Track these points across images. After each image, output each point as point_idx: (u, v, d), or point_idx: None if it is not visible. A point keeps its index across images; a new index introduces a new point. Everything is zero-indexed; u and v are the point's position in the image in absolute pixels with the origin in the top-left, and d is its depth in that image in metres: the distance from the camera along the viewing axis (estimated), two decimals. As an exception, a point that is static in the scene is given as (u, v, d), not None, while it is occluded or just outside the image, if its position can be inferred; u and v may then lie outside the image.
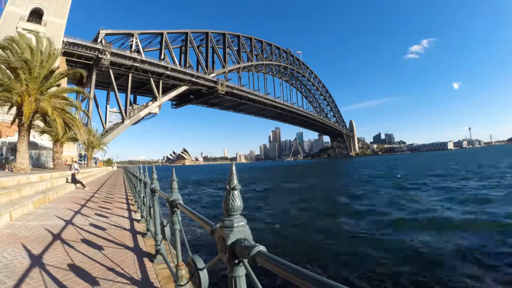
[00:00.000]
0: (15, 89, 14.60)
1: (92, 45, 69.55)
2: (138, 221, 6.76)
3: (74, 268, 3.55)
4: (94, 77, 70.93)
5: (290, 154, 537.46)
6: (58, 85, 17.43)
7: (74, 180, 15.37)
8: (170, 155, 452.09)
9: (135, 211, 8.05)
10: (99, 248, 4.49)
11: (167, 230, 3.06)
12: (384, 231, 11.77)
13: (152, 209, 4.35)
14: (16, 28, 51.76)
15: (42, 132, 23.50)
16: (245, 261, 1.10)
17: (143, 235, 5.38)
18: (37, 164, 24.43)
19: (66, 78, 18.32)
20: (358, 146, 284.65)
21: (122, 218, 7.18)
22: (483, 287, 6.79)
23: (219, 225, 1.25)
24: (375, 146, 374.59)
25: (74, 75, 17.90)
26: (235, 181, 1.21)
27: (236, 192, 1.22)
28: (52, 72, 16.01)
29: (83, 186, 15.20)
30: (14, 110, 16.10)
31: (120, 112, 76.32)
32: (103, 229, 5.84)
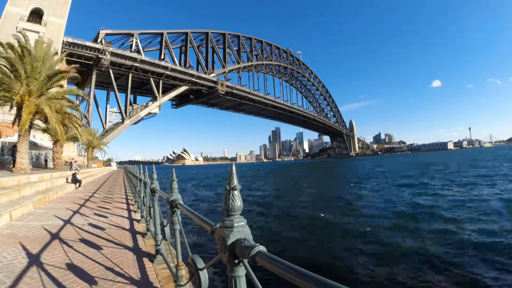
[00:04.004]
0: (15, 89, 14.58)
1: (92, 45, 69.49)
2: (138, 221, 6.76)
3: (74, 268, 3.55)
4: (94, 77, 70.85)
5: (290, 154, 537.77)
6: (61, 86, 17.43)
7: (75, 180, 15.38)
8: (170, 155, 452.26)
9: (135, 211, 8.04)
10: (99, 248, 4.48)
11: (167, 230, 3.06)
12: (384, 230, 11.76)
13: (152, 209, 4.35)
14: (16, 28, 51.72)
15: (44, 131, 23.47)
16: (245, 261, 1.10)
17: (143, 235, 5.37)
18: (37, 164, 24.43)
19: (66, 79, 18.30)
20: (358, 146, 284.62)
21: (122, 218, 7.18)
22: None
23: (219, 225, 1.25)
24: (375, 146, 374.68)
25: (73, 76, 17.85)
26: (235, 181, 1.22)
27: (236, 192, 1.22)
28: (54, 74, 16.00)
29: (80, 186, 15.27)
30: (14, 110, 16.09)
31: (120, 112, 76.29)
32: (103, 229, 5.84)
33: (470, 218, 12.95)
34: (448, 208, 15.23)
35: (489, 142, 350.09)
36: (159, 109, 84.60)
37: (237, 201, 1.22)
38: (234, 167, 1.24)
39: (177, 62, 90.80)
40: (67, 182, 15.44)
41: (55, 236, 5.17)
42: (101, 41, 72.91)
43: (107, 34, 76.16)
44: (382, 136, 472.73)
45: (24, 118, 14.24)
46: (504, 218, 12.43)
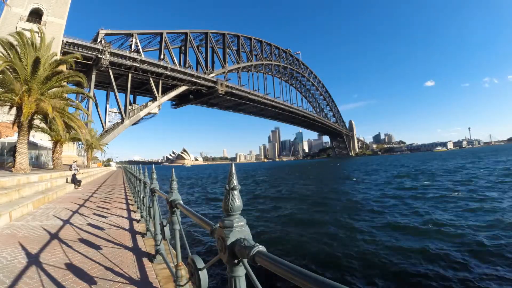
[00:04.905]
0: (15, 89, 14.56)
1: (92, 45, 69.38)
2: (137, 221, 6.75)
3: (73, 268, 3.55)
4: (93, 77, 70.77)
5: (289, 154, 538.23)
6: (62, 86, 17.42)
7: (74, 180, 15.34)
8: (170, 155, 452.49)
9: (134, 211, 8.04)
10: (99, 248, 4.48)
11: (167, 230, 3.05)
12: (383, 229, 11.76)
13: (151, 209, 4.35)
14: (16, 28, 51.67)
15: (46, 132, 23.46)
16: (245, 261, 1.10)
17: (143, 235, 5.37)
18: (37, 164, 24.39)
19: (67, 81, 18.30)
20: (358, 146, 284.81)
21: (121, 218, 7.17)
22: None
23: (218, 225, 1.25)
24: (374, 146, 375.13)
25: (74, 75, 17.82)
26: (235, 181, 1.22)
27: (235, 192, 1.22)
28: (54, 73, 15.97)
29: (79, 185, 15.27)
30: (14, 110, 16.07)
31: (120, 112, 76.20)
32: (102, 229, 5.83)
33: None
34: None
35: (443, 146, 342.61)
36: (159, 109, 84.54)
37: (237, 201, 1.22)
38: (233, 167, 1.24)
39: (176, 62, 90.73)
40: (66, 182, 15.43)
41: (54, 236, 5.17)
42: (100, 41, 72.81)
43: (106, 34, 76.07)
44: (382, 136, 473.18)
45: (24, 115, 14.31)
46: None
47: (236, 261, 1.13)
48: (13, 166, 15.08)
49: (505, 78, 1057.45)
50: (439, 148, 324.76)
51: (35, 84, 15.08)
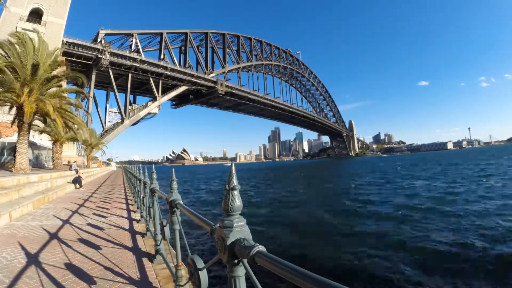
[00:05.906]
0: (15, 89, 14.56)
1: (92, 45, 69.39)
2: (137, 221, 6.75)
3: (73, 268, 3.55)
4: (93, 77, 70.79)
5: (289, 154, 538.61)
6: (60, 86, 17.41)
7: (75, 180, 15.28)
8: (170, 155, 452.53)
9: (134, 211, 8.04)
10: (99, 248, 4.48)
11: (167, 230, 3.05)
12: (383, 229, 11.75)
13: (151, 209, 4.35)
14: (16, 28, 51.66)
15: (42, 132, 23.45)
16: (245, 261, 1.10)
17: (143, 235, 5.37)
18: (37, 164, 24.40)
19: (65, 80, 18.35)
20: (358, 146, 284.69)
21: (121, 218, 7.17)
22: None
23: (218, 225, 1.25)
24: (374, 146, 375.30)
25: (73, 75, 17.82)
26: (235, 181, 1.22)
27: (235, 192, 1.23)
28: (53, 76, 15.96)
29: (80, 185, 15.23)
30: (14, 110, 16.07)
31: (120, 112, 76.23)
32: (102, 229, 5.83)
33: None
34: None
35: (379, 151, 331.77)
36: (159, 109, 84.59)
37: (237, 201, 1.22)
38: (233, 168, 1.24)
39: (176, 62, 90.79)
40: (68, 182, 15.42)
41: (54, 236, 5.17)
42: (100, 41, 72.84)
43: (106, 34, 76.11)
44: (382, 136, 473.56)
45: (26, 115, 14.34)
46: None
47: (236, 261, 1.13)
48: (13, 166, 15.08)
49: (502, 77, 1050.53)
50: (359, 151, 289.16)
51: (35, 84, 15.08)
